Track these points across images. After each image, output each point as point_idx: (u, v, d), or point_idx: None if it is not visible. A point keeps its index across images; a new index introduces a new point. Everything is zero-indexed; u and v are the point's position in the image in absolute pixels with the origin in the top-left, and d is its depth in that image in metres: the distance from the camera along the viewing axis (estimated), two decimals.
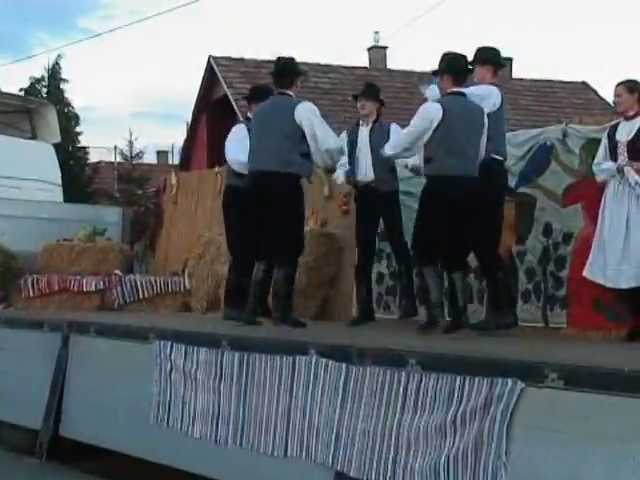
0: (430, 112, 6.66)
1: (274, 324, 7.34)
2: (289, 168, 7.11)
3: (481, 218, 6.65)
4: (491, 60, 7.21)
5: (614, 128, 6.90)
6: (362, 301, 8.20)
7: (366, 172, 7.95)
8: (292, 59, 7.70)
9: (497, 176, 6.96)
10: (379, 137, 7.72)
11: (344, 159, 7.72)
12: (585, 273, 6.86)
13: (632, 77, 6.97)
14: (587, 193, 7.20)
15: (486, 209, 6.71)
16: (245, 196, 7.46)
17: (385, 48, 27.30)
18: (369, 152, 7.92)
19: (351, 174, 8.05)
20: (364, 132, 8.07)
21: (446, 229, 6.59)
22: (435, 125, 6.62)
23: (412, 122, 6.80)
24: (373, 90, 8.29)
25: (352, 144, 8.05)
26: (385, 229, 8.22)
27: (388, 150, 7.04)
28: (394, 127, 7.91)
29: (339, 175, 8.07)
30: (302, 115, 7.16)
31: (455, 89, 6.74)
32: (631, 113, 6.80)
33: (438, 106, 6.65)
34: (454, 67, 6.78)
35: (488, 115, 6.80)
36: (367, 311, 8.13)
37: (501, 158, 7.05)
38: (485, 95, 6.87)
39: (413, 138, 6.77)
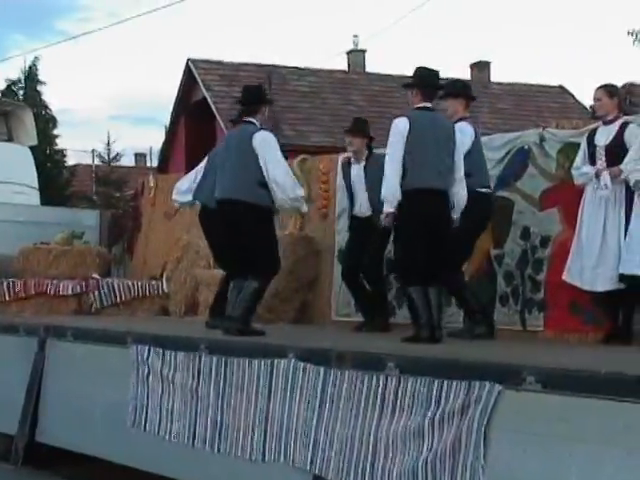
0: (398, 126, 6.61)
1: (228, 333, 7.04)
2: (250, 198, 7.08)
3: (455, 237, 6.67)
4: (463, 94, 7.33)
5: (593, 132, 6.93)
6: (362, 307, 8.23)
7: (361, 207, 8.02)
8: (259, 87, 7.81)
9: (484, 209, 7.05)
10: (374, 172, 7.50)
11: (300, 192, 7.47)
12: (564, 276, 6.89)
13: (609, 81, 7.03)
14: (564, 197, 7.23)
15: (464, 232, 6.76)
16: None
17: (364, 51, 27.38)
18: (364, 189, 7.96)
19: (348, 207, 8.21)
20: (356, 169, 8.12)
21: (425, 244, 6.53)
22: (405, 139, 6.56)
23: (388, 147, 6.66)
24: (360, 126, 8.25)
25: (347, 181, 8.18)
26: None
27: (387, 193, 6.61)
28: None
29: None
30: (257, 144, 7.14)
31: (423, 104, 6.72)
32: (610, 117, 6.84)
33: (404, 119, 6.63)
34: (424, 82, 6.78)
35: (465, 155, 6.81)
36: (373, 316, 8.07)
37: (487, 191, 7.12)
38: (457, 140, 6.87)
39: (399, 161, 6.55)
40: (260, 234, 7.17)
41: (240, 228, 7.12)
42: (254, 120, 7.35)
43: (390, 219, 6.61)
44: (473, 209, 6.75)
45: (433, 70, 6.83)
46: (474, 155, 6.98)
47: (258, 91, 7.67)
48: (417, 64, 6.90)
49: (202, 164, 8.50)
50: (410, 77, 6.88)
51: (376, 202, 7.24)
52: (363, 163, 8.08)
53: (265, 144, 7.17)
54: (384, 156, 6.82)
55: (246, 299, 7.11)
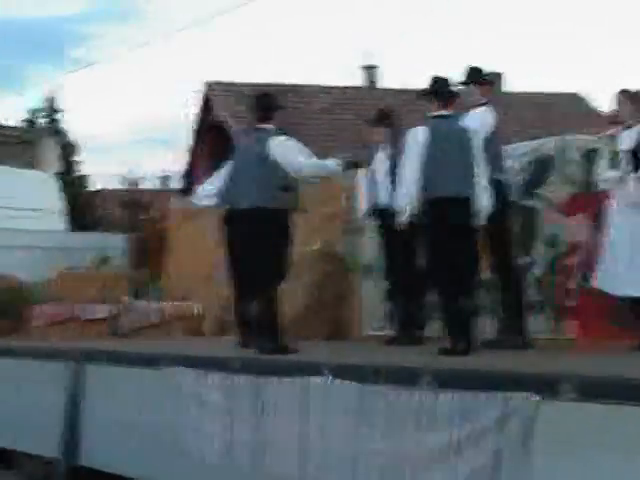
0: (416, 135, 6.67)
1: (262, 352, 6.97)
2: (268, 203, 7.06)
3: (487, 238, 6.67)
4: (479, 79, 7.35)
5: (615, 137, 6.94)
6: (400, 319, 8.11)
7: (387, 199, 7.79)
8: (270, 94, 7.77)
9: (497, 195, 6.90)
10: (398, 162, 7.35)
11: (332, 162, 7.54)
12: (594, 282, 6.88)
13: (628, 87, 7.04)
14: (589, 203, 7.24)
15: (490, 229, 6.73)
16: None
17: (376, 67, 27.41)
18: (388, 179, 7.81)
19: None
20: (381, 158, 8.00)
21: (453, 255, 6.50)
22: (423, 148, 6.58)
23: (406, 156, 6.71)
24: (383, 116, 8.20)
25: (371, 172, 8.08)
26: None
27: (404, 202, 6.71)
28: None
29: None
30: (274, 149, 7.13)
31: (441, 112, 6.76)
32: (631, 122, 6.85)
33: (422, 128, 6.67)
34: (440, 90, 6.83)
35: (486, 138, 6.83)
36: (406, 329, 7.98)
37: (501, 177, 7.06)
38: (478, 126, 6.88)
39: (415, 170, 6.60)
40: (280, 240, 7.13)
41: (259, 235, 7.04)
42: (267, 127, 7.34)
43: (406, 226, 6.67)
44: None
45: (447, 78, 6.90)
46: (491, 139, 6.94)
47: (269, 98, 7.61)
48: (430, 76, 6.95)
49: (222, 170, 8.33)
50: (420, 91, 6.95)
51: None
52: (386, 152, 7.96)
53: (283, 146, 7.16)
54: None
55: (266, 315, 7.05)
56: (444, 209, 6.49)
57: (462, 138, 6.70)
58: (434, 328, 7.52)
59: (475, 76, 7.34)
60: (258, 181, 7.09)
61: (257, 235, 7.04)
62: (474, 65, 7.44)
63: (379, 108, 8.83)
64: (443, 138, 6.63)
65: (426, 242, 6.69)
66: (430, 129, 6.65)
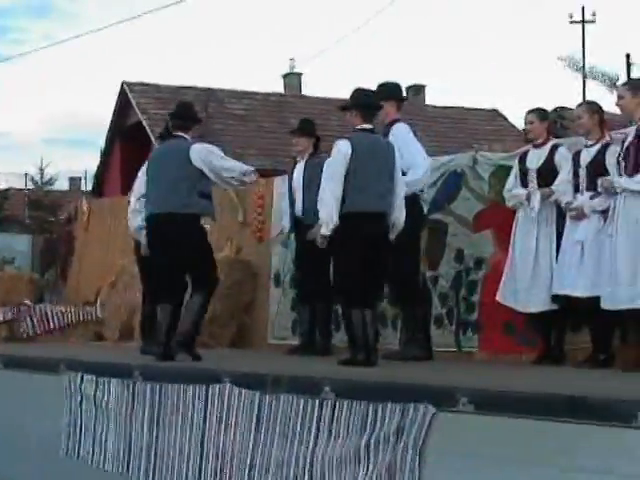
0: (340, 149, 6.59)
1: (161, 359, 6.89)
2: (188, 209, 7.05)
3: (397, 251, 6.66)
4: (394, 96, 7.34)
5: (524, 155, 7.04)
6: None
7: (300, 209, 7.89)
8: (192, 105, 7.85)
9: (410, 209, 6.90)
10: (313, 172, 7.54)
11: (252, 176, 7.47)
12: (498, 297, 6.96)
13: (539, 106, 7.15)
14: (497, 219, 7.33)
15: (402, 242, 6.72)
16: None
17: (300, 75, 27.51)
18: (302, 188, 7.90)
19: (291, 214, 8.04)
20: (298, 169, 8.07)
21: (364, 266, 6.47)
22: (347, 161, 6.51)
23: (327, 167, 6.64)
24: (306, 126, 8.24)
25: (289, 182, 8.13)
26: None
27: (325, 215, 6.53)
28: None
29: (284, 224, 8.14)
30: (197, 156, 7.11)
31: (364, 125, 6.70)
32: (540, 141, 6.96)
33: (347, 142, 6.58)
34: (363, 103, 6.76)
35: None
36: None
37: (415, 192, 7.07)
38: (394, 141, 6.89)
39: (338, 183, 6.50)
40: (204, 246, 7.16)
41: (181, 241, 7.02)
42: (186, 135, 7.31)
43: (325, 242, 6.61)
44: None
45: (370, 90, 6.86)
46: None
47: (191, 109, 7.66)
48: (353, 87, 6.92)
49: (137, 184, 8.28)
50: (347, 99, 6.90)
51: (314, 203, 7.03)
52: (304, 162, 8.01)
53: (206, 152, 7.17)
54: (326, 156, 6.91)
55: (195, 314, 7.02)
56: (360, 223, 6.45)
57: (385, 153, 6.67)
58: (341, 339, 7.52)
59: (389, 92, 7.35)
60: (178, 187, 7.07)
61: (178, 241, 7.02)
62: (388, 81, 7.45)
63: (302, 118, 8.82)
64: (366, 152, 6.57)
65: (337, 253, 6.65)
66: (354, 143, 6.57)
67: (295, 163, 8.20)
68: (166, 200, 7.07)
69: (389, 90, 7.33)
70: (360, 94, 6.78)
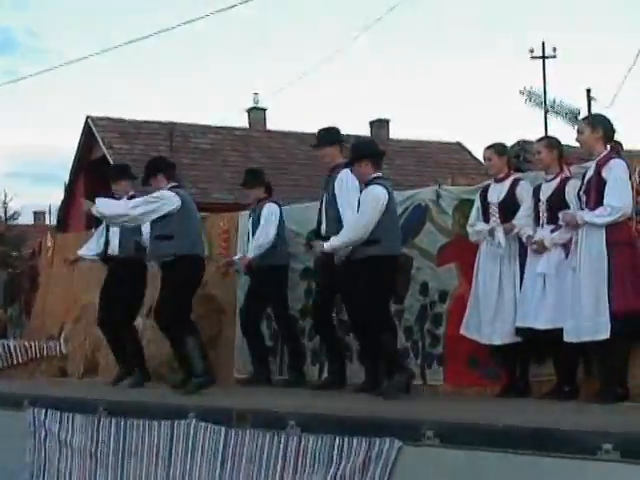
0: (379, 197, 6.80)
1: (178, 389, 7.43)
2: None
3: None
4: (338, 140, 7.65)
5: (485, 190, 7.11)
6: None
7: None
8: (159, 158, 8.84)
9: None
10: (255, 217, 8.33)
11: None
12: (462, 331, 7.00)
13: (499, 140, 7.24)
14: (461, 252, 7.37)
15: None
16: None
17: (264, 110, 27.62)
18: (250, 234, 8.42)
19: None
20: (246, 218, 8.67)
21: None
22: (384, 208, 6.77)
23: (363, 211, 6.83)
24: (252, 177, 8.68)
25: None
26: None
27: (348, 241, 6.95)
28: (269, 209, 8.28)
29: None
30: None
31: (379, 173, 6.97)
32: (501, 175, 7.04)
33: (383, 189, 6.82)
34: (374, 153, 7.07)
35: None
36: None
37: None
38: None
39: (369, 228, 6.78)
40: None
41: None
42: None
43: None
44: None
45: (371, 140, 7.11)
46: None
47: (152, 163, 8.15)
48: (317, 121, 7.16)
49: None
50: (315, 136, 7.19)
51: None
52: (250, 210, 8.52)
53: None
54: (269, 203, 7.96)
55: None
56: (394, 264, 6.89)
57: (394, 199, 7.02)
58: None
59: (334, 137, 7.68)
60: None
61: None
62: (330, 126, 7.75)
63: (246, 169, 9.27)
64: (393, 199, 6.95)
65: (373, 287, 6.78)
66: (388, 191, 6.85)
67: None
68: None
69: (333, 135, 7.70)
70: (366, 144, 7.06)
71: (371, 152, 7.09)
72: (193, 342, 7.40)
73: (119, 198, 8.44)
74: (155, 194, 7.63)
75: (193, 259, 7.61)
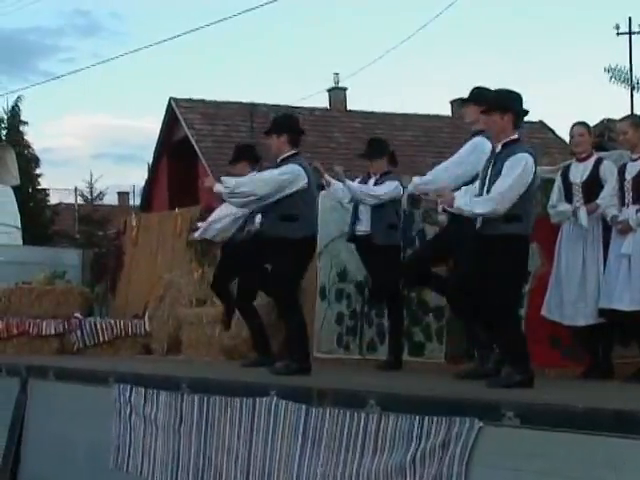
0: (530, 167, 5.77)
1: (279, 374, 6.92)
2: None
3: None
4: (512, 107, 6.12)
5: (566, 169, 7.01)
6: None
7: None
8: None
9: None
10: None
11: None
12: (543, 312, 6.93)
13: (583, 119, 7.13)
14: (542, 233, 7.27)
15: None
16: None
17: (345, 89, 27.57)
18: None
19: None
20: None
21: None
22: (530, 180, 5.82)
23: (512, 175, 5.71)
24: (377, 147, 7.99)
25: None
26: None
27: (492, 206, 5.75)
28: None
29: None
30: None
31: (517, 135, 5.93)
32: (584, 154, 6.93)
33: (532, 158, 5.82)
34: (516, 105, 5.97)
35: None
36: None
37: None
38: None
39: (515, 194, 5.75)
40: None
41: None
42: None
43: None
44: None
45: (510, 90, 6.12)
46: None
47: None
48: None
49: None
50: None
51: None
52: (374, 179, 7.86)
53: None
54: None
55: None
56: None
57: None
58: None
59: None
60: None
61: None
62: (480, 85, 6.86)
63: (370, 139, 8.47)
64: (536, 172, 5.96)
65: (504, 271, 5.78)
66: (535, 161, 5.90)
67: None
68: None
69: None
70: (512, 95, 6.01)
71: (515, 106, 5.95)
72: (297, 323, 7.01)
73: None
74: (283, 168, 6.92)
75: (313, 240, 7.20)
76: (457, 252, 6.56)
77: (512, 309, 6.01)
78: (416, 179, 6.88)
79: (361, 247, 7.90)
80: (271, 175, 6.95)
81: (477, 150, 6.54)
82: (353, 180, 7.87)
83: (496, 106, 5.90)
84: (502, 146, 5.87)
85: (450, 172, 6.68)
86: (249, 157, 8.18)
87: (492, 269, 5.71)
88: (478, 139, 6.63)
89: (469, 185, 6.27)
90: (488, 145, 6.28)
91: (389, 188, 7.62)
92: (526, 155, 5.79)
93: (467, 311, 6.20)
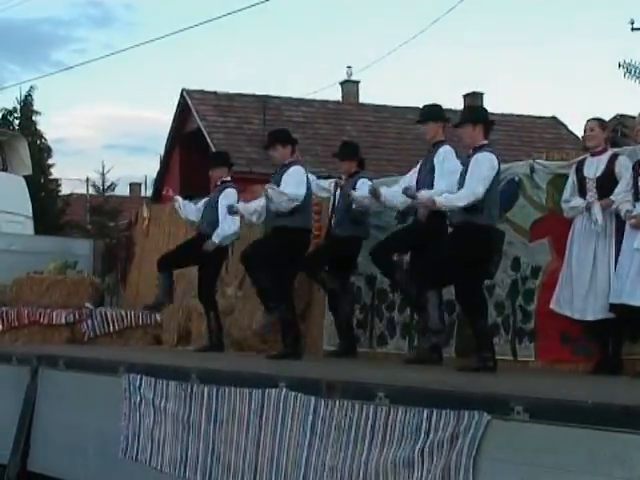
0: (494, 162, 6.78)
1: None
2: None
3: None
4: (484, 120, 7.08)
5: (581, 164, 6.99)
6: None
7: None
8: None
9: None
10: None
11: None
12: (552, 305, 6.93)
13: (598, 114, 7.11)
14: (554, 227, 7.28)
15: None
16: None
17: (357, 82, 27.55)
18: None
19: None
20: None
21: None
22: (493, 175, 6.76)
23: (480, 172, 6.71)
24: (349, 149, 8.63)
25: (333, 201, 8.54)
26: None
27: (458, 203, 6.80)
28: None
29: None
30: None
31: (485, 141, 6.89)
32: (598, 149, 6.91)
33: (495, 157, 6.81)
34: (487, 120, 6.99)
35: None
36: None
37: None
38: None
39: (485, 188, 6.72)
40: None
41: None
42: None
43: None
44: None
45: (483, 107, 7.12)
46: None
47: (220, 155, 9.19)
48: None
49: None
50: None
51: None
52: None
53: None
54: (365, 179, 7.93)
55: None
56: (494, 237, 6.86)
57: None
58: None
59: (438, 114, 7.73)
60: None
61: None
62: (434, 103, 7.79)
63: (343, 141, 9.60)
64: (499, 169, 6.93)
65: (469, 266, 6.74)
66: (498, 159, 6.86)
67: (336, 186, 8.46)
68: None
69: (437, 111, 7.77)
70: (481, 110, 7.16)
71: (484, 118, 7.01)
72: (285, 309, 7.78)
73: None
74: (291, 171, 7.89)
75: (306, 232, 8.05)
76: (431, 243, 7.22)
77: (477, 295, 6.80)
78: (442, 200, 6.91)
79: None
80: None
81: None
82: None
83: (469, 119, 6.92)
84: (473, 150, 6.85)
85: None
86: (290, 141, 8.29)
87: (458, 252, 6.67)
88: (491, 156, 6.88)
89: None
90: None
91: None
92: (491, 155, 6.78)
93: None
